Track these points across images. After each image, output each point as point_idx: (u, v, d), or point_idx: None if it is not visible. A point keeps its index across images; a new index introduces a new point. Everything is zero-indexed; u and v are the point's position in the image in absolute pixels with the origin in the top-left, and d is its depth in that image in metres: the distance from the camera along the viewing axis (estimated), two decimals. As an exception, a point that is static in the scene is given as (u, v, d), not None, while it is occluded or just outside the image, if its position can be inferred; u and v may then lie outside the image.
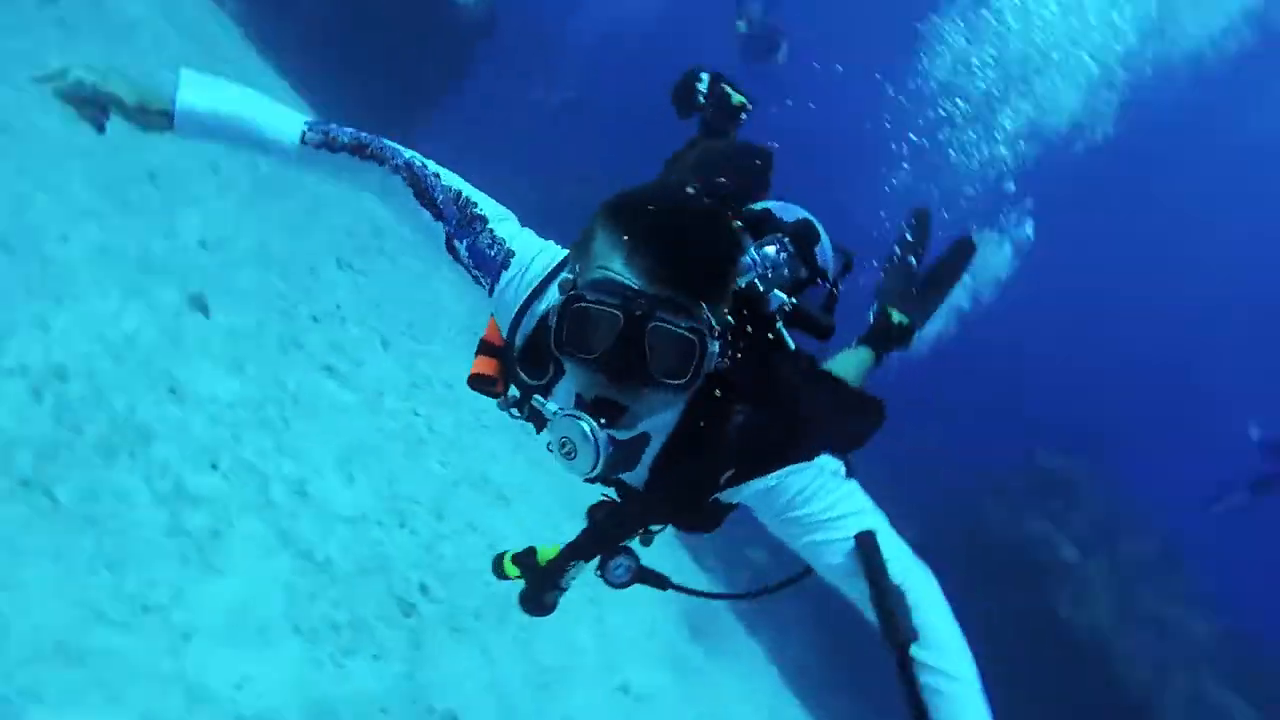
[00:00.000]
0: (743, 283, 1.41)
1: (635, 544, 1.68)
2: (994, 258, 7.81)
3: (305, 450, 4.29)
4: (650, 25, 20.24)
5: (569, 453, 1.29)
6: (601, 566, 1.62)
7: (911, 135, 10.41)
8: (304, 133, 1.62)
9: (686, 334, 1.19)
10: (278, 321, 4.97)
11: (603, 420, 1.26)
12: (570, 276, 1.28)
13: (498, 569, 1.76)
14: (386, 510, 4.38)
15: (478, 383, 1.65)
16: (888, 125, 10.69)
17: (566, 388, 1.37)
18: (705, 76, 2.42)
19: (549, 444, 1.34)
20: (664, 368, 1.21)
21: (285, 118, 1.64)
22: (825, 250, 1.88)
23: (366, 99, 8.26)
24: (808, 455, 1.41)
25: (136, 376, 3.77)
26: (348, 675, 3.52)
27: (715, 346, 1.24)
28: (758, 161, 2.04)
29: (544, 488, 5.65)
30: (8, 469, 2.96)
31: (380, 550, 4.14)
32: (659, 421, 1.39)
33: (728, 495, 1.47)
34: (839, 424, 1.47)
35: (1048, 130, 10.19)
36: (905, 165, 10.57)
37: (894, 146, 10.75)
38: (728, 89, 2.42)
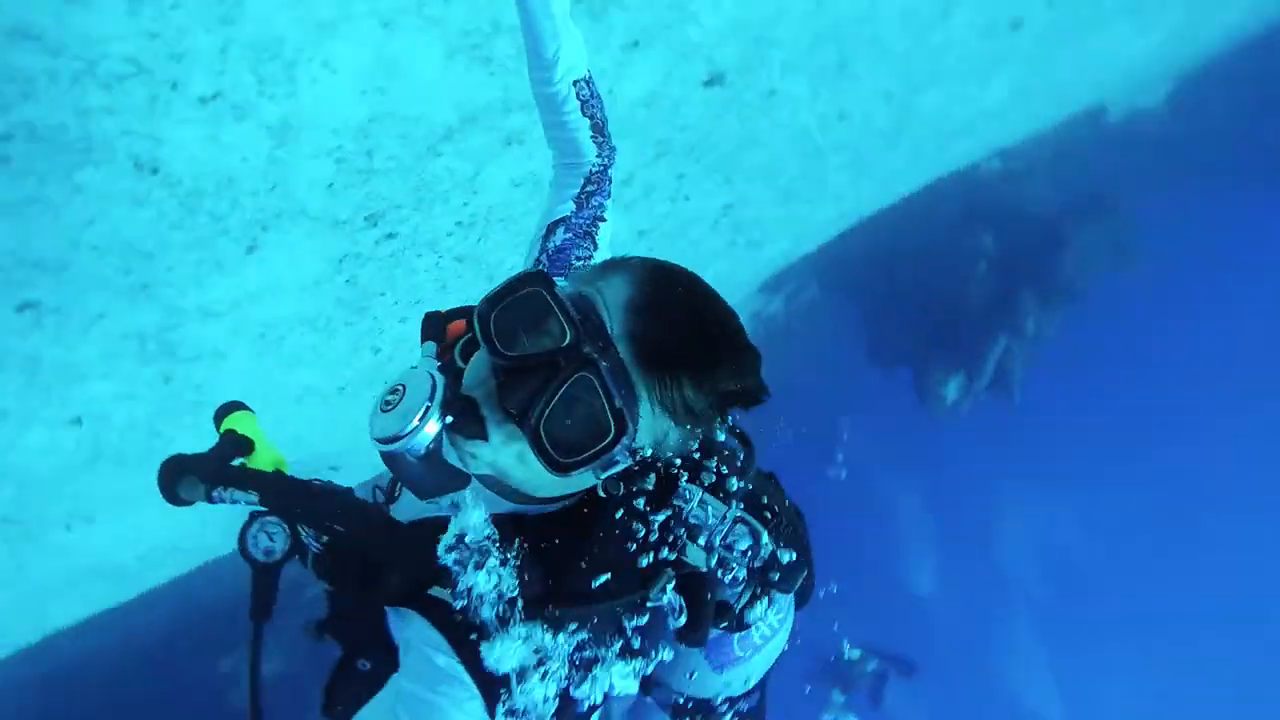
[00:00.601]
0: (696, 516, 1.07)
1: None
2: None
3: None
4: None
5: (388, 405, 1.01)
6: (251, 520, 1.23)
7: None
8: (580, 79, 1.53)
9: (610, 412, 0.92)
10: None
11: (451, 419, 0.99)
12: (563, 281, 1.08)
13: (218, 419, 1.41)
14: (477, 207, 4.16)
15: (428, 325, 1.34)
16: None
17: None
18: None
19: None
20: (554, 430, 0.94)
21: (581, 51, 1.54)
22: (782, 625, 1.42)
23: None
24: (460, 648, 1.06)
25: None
26: (317, 177, 3.33)
27: (622, 462, 0.98)
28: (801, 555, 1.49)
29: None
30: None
31: (437, 187, 3.90)
32: (494, 504, 1.11)
33: (399, 614, 1.16)
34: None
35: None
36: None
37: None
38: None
